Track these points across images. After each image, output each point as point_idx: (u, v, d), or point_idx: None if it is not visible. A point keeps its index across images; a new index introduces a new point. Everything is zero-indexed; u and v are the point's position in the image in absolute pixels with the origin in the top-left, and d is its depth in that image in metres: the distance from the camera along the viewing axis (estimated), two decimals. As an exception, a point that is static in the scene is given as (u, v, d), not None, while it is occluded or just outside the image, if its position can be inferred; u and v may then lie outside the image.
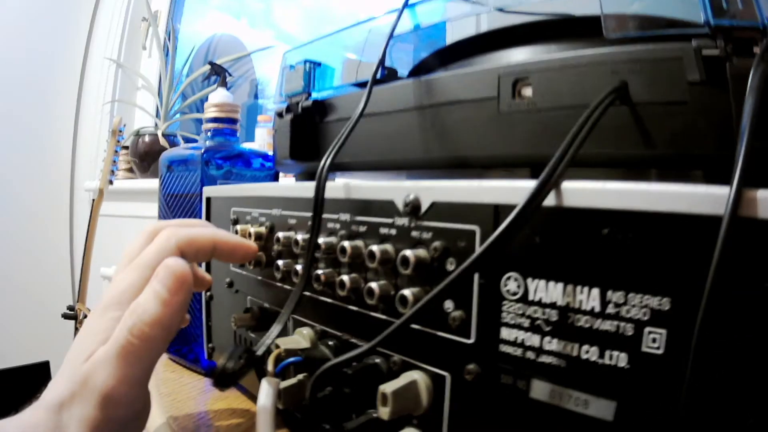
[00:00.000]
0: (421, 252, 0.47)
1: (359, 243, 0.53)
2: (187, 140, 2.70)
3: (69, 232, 3.74)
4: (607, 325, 0.36)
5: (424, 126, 0.59)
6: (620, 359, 0.35)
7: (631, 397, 0.35)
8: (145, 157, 2.81)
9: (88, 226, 2.49)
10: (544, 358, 0.39)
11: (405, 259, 0.47)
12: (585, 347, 0.37)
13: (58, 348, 3.13)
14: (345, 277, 0.54)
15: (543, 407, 0.39)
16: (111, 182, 2.45)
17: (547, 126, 0.49)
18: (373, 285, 0.50)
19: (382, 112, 0.63)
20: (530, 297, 0.40)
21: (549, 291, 0.39)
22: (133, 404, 0.54)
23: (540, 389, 0.39)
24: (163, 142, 2.62)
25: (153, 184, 2.79)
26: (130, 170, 2.99)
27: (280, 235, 0.64)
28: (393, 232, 0.51)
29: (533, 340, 0.40)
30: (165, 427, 0.76)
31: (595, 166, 0.47)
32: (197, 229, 0.62)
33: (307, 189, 0.61)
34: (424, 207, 0.48)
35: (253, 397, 0.75)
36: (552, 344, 0.39)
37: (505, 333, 0.41)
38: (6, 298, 3.38)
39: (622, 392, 0.35)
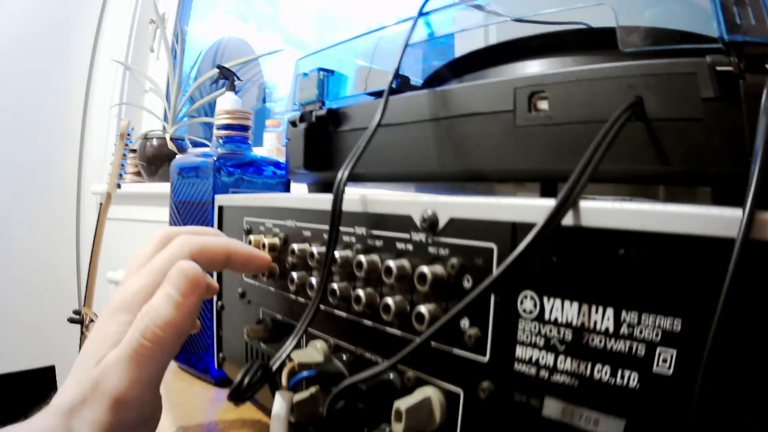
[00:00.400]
0: (438, 268, 0.46)
1: (375, 257, 0.53)
2: (196, 144, 2.70)
3: (75, 235, 3.75)
4: (621, 345, 0.35)
5: (439, 138, 0.59)
6: (632, 379, 0.35)
7: (640, 416, 0.35)
8: (153, 161, 2.81)
9: (96, 229, 2.49)
10: (558, 377, 0.39)
11: (422, 276, 0.46)
12: (598, 366, 0.37)
13: (64, 352, 3.14)
14: (361, 292, 0.53)
15: (554, 425, 0.39)
16: (119, 186, 2.45)
17: (562, 140, 0.49)
18: (389, 300, 0.50)
19: (398, 123, 0.63)
20: (546, 316, 0.40)
21: (565, 310, 0.38)
22: (145, 407, 0.54)
23: (552, 407, 0.39)
24: (171, 146, 2.62)
25: (161, 188, 2.79)
26: (138, 174, 2.99)
27: (295, 247, 0.63)
28: (410, 247, 0.50)
29: (548, 359, 0.39)
30: (170, 428, 0.76)
31: (610, 182, 0.47)
32: (211, 238, 0.62)
33: (322, 201, 0.61)
34: (441, 223, 0.47)
35: (265, 409, 0.75)
36: (566, 363, 0.38)
37: (520, 351, 0.41)
38: (12, 301, 3.38)
39: (631, 411, 0.35)
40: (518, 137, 0.52)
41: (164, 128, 2.91)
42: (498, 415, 0.42)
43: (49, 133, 3.54)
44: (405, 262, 0.50)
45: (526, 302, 0.41)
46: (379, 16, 2.65)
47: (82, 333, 2.58)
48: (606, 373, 0.36)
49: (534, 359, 0.40)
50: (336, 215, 0.55)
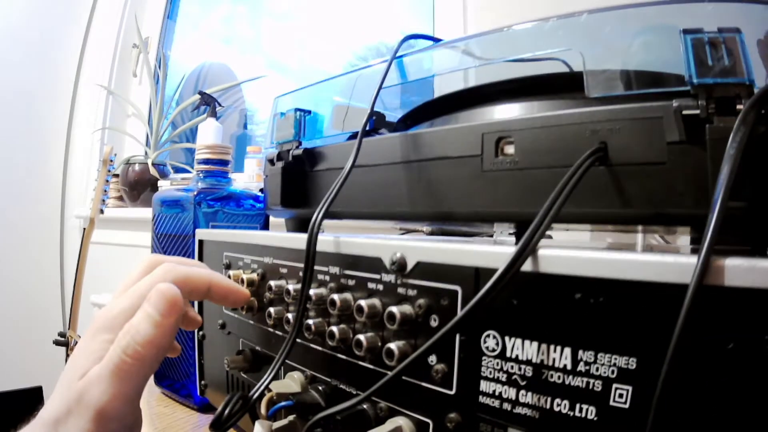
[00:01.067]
0: (407, 308, 0.49)
1: (348, 296, 0.55)
2: (177, 170, 2.71)
3: (60, 259, 3.73)
4: (578, 381, 0.38)
5: (411, 179, 0.61)
6: (590, 412, 0.37)
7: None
8: (136, 186, 2.81)
9: (79, 254, 2.49)
10: (520, 410, 0.41)
11: (391, 315, 0.49)
12: (557, 400, 0.39)
13: (51, 374, 3.12)
14: (335, 329, 0.56)
15: None
16: (102, 211, 2.45)
17: (528, 184, 0.51)
18: (361, 337, 0.52)
19: (371, 165, 0.65)
20: (507, 353, 0.42)
21: (525, 349, 0.41)
22: (126, 419, 0.56)
23: None
24: (153, 171, 2.62)
25: (143, 213, 2.79)
26: (121, 198, 2.99)
27: (272, 283, 0.66)
28: (380, 287, 0.53)
29: (510, 392, 0.42)
30: None
31: (575, 223, 0.49)
32: (194, 269, 0.64)
33: (298, 240, 0.64)
34: (409, 266, 0.50)
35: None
36: (527, 397, 0.41)
37: (484, 386, 0.44)
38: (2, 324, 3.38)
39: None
40: (485, 181, 0.54)
41: (146, 153, 2.91)
42: None
43: (33, 156, 3.52)
44: (376, 302, 0.52)
45: (489, 341, 0.43)
46: (356, 41, 2.66)
47: (67, 355, 2.58)
48: (565, 407, 0.38)
49: (497, 393, 0.43)
50: (310, 255, 0.57)
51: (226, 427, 0.57)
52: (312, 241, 0.57)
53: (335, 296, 0.55)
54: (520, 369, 0.41)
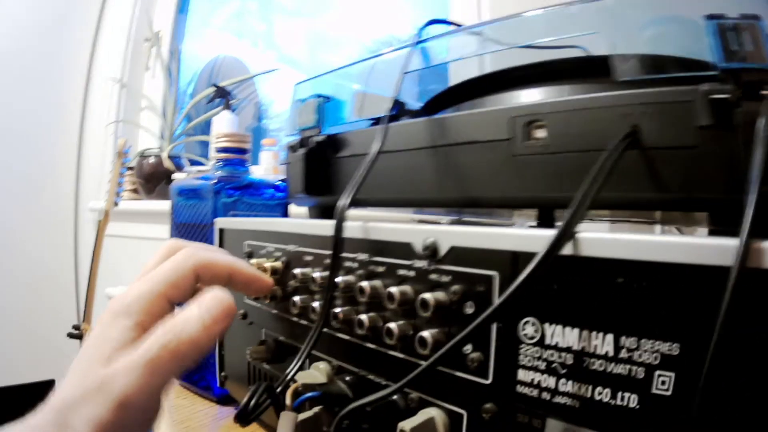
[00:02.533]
0: (440, 295, 0.47)
1: (377, 283, 0.54)
2: (192, 162, 2.71)
3: (74, 252, 3.74)
4: (620, 369, 0.36)
5: (438, 165, 0.60)
6: (631, 400, 0.36)
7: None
8: (150, 179, 2.81)
9: (94, 246, 2.48)
10: (559, 399, 0.40)
11: (424, 302, 0.47)
12: (598, 389, 0.38)
13: (63, 367, 3.13)
14: (363, 317, 0.54)
15: None
16: (116, 204, 2.45)
17: (559, 168, 0.50)
18: (392, 325, 0.51)
19: (397, 150, 0.64)
20: (547, 341, 0.40)
21: (565, 336, 0.39)
22: (148, 411, 0.55)
23: (554, 428, 0.40)
24: (167, 163, 2.62)
25: (158, 205, 2.79)
26: (135, 191, 2.99)
27: (297, 271, 0.65)
28: (411, 273, 0.51)
29: (549, 381, 0.40)
30: None
31: (608, 209, 0.48)
32: (216, 254, 0.63)
33: (324, 227, 0.62)
34: (442, 251, 0.48)
35: (269, 428, 0.76)
36: (567, 386, 0.39)
37: (522, 374, 0.42)
38: (13, 316, 3.38)
39: (630, 429, 0.36)
40: (515, 165, 0.53)
41: (161, 146, 2.91)
42: None
43: (46, 150, 3.53)
44: (407, 288, 0.51)
45: (528, 328, 0.42)
46: (368, 33, 2.66)
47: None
48: (606, 395, 0.37)
49: (536, 382, 0.41)
50: (338, 242, 0.56)
51: (252, 419, 0.56)
52: (339, 227, 0.56)
53: (364, 283, 0.54)
54: (560, 357, 0.40)
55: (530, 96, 0.62)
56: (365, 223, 0.57)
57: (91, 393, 0.52)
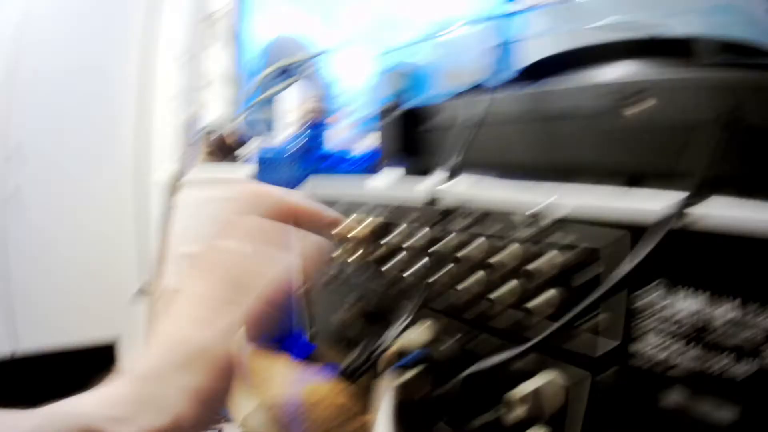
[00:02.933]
0: (549, 263, 0.47)
1: (485, 248, 0.54)
2: (258, 136, 2.72)
3: (138, 223, 3.77)
4: (741, 336, 0.37)
5: (539, 134, 0.60)
6: (750, 368, 0.36)
7: (753, 405, 0.36)
8: (215, 153, 2.82)
9: (163, 216, 2.51)
10: (681, 366, 0.40)
11: (536, 270, 0.47)
12: (719, 356, 0.38)
13: (126, 328, 3.15)
14: (469, 283, 0.54)
15: (673, 414, 0.40)
16: (185, 174, 2.47)
17: (664, 142, 0.50)
18: (500, 292, 0.51)
19: (498, 118, 0.63)
20: (675, 306, 0.40)
21: (692, 300, 0.39)
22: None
23: (674, 395, 0.40)
24: (234, 137, 2.63)
25: (223, 176, 2.80)
26: (203, 162, 3.00)
27: (394, 236, 0.65)
28: (522, 237, 0.51)
29: (672, 348, 0.40)
30: (258, 411, 0.77)
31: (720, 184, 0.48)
32: (296, 197, 0.62)
33: (423, 192, 0.62)
34: (553, 219, 0.48)
35: (358, 386, 0.76)
36: (689, 352, 0.39)
37: (648, 340, 0.42)
38: (76, 276, 3.41)
39: (745, 400, 0.36)
40: (619, 137, 0.53)
41: (226, 121, 2.92)
42: (621, 401, 0.43)
43: (108, 122, 3.55)
44: (516, 255, 0.50)
45: (654, 294, 0.42)
46: (439, 13, 2.65)
47: (148, 308, 2.60)
48: (726, 363, 0.37)
49: (661, 348, 0.41)
50: (443, 206, 0.56)
51: (357, 377, 0.56)
52: (444, 190, 0.56)
53: (472, 246, 0.54)
54: (685, 322, 0.40)
55: (628, 70, 0.62)
56: (472, 187, 0.57)
57: (189, 360, 0.52)
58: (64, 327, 3.22)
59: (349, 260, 0.77)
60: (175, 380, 0.51)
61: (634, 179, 0.51)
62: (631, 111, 0.52)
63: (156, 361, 0.52)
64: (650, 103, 0.50)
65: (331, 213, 0.65)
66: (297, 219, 0.61)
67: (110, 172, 3.65)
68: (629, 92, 0.52)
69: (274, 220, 0.58)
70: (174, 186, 2.47)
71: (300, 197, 0.63)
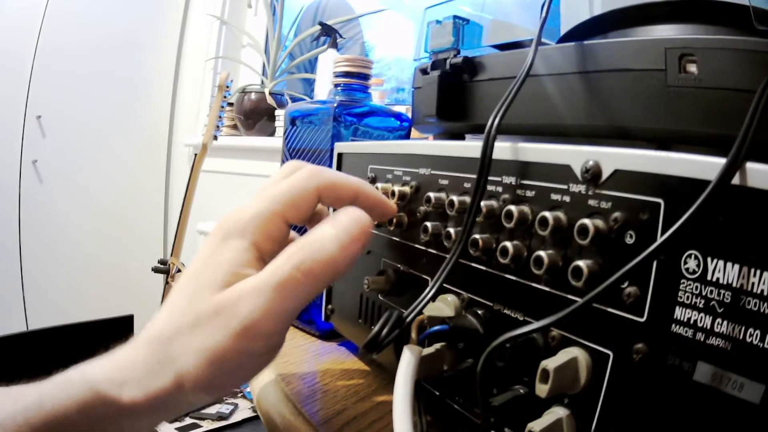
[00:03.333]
0: (599, 222, 0.44)
1: (526, 208, 0.51)
2: (294, 99, 2.71)
3: (165, 186, 3.79)
4: None
5: (586, 92, 0.57)
6: None
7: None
8: (251, 115, 2.82)
9: (189, 180, 2.50)
10: (712, 340, 0.37)
11: (583, 229, 0.44)
12: (750, 330, 0.35)
13: (144, 302, 3.17)
14: (508, 244, 0.51)
15: (702, 390, 0.37)
16: (216, 137, 2.46)
17: (712, 105, 0.48)
18: (542, 254, 0.47)
19: (543, 74, 0.61)
20: (708, 276, 0.38)
21: (726, 272, 0.37)
22: (272, 339, 0.52)
23: (703, 372, 0.37)
24: (270, 100, 2.63)
25: (257, 142, 2.80)
26: (234, 127, 3.00)
27: (431, 195, 0.61)
28: (567, 199, 0.48)
29: (705, 321, 0.38)
30: (273, 385, 0.75)
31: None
32: (341, 175, 0.60)
33: (465, 148, 0.59)
34: (605, 174, 0.45)
35: (373, 364, 0.73)
36: (722, 326, 0.37)
37: (679, 312, 0.39)
38: (97, 250, 3.44)
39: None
40: (669, 97, 0.50)
41: (263, 83, 2.91)
42: (648, 378, 0.41)
43: (142, 85, 3.59)
44: (561, 214, 0.47)
45: (690, 262, 0.39)
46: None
47: (166, 282, 2.60)
48: (756, 337, 0.35)
49: (692, 321, 0.39)
50: (486, 162, 0.53)
51: (382, 348, 0.53)
52: (489, 144, 0.53)
53: (512, 207, 0.50)
54: (718, 294, 0.37)
55: (678, 32, 0.60)
56: (515, 143, 0.54)
57: (203, 321, 0.50)
58: (80, 305, 3.26)
59: (374, 231, 0.75)
60: (190, 341, 0.50)
61: (676, 141, 0.49)
62: (678, 72, 0.50)
63: (170, 323, 0.52)
64: (698, 65, 0.49)
65: (390, 202, 0.64)
66: (356, 203, 0.59)
67: (145, 138, 3.69)
68: (678, 53, 0.50)
69: (328, 200, 0.58)
70: (200, 153, 2.46)
71: (362, 181, 0.61)
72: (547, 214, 0.47)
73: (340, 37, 1.44)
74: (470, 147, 0.57)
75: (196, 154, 2.47)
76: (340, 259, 0.51)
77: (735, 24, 0.54)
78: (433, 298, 0.57)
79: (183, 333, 0.51)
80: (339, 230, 0.52)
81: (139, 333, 0.54)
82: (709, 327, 0.37)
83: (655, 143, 0.48)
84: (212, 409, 2.26)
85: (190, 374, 0.50)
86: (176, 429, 2.14)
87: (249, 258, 0.53)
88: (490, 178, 0.55)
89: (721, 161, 0.36)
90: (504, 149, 0.54)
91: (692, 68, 0.49)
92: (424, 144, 0.67)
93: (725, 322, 0.37)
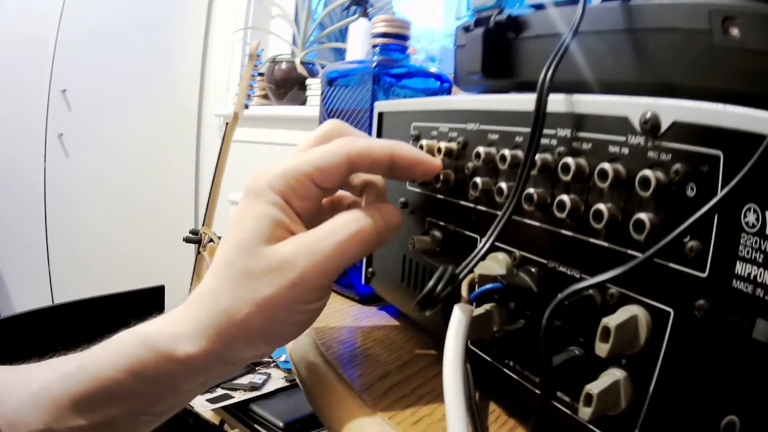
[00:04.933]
0: (660, 174, 0.43)
1: (583, 161, 0.50)
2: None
3: (195, 156, 3.80)
4: None
5: (633, 49, 0.57)
6: None
7: None
8: (282, 84, 2.82)
9: (220, 149, 2.51)
10: None
11: (645, 180, 0.43)
12: None
13: (175, 273, 3.18)
14: (565, 197, 0.50)
15: (760, 348, 0.36)
16: (247, 106, 2.46)
17: (754, 66, 0.47)
18: (602, 207, 0.46)
19: (591, 32, 0.60)
20: (767, 231, 0.37)
21: None
22: (320, 292, 0.56)
23: (762, 329, 0.37)
24: (300, 69, 2.63)
25: (288, 111, 2.80)
26: (265, 97, 3.00)
27: (481, 150, 0.60)
28: (625, 151, 0.47)
29: (765, 276, 0.37)
30: (312, 350, 0.75)
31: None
32: (373, 140, 0.60)
33: (517, 101, 0.58)
34: (664, 126, 0.44)
35: (411, 323, 0.73)
36: None
37: (739, 268, 0.38)
38: (129, 221, 3.45)
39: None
40: (714, 56, 0.50)
41: (293, 53, 2.91)
42: (708, 336, 0.40)
43: (170, 57, 3.60)
44: (620, 167, 0.46)
45: (749, 215, 0.38)
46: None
47: (198, 252, 2.61)
48: None
49: (752, 276, 0.37)
50: (541, 113, 0.52)
51: (436, 304, 0.53)
52: (543, 96, 0.52)
53: (569, 160, 0.49)
54: None
55: None
56: (569, 95, 0.53)
57: (256, 272, 0.53)
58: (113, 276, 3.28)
59: (418, 188, 0.74)
60: (238, 293, 0.53)
61: (721, 100, 0.48)
62: (722, 34, 0.50)
63: (215, 279, 0.55)
64: (740, 28, 0.49)
65: (432, 159, 0.64)
66: (393, 166, 0.61)
67: (175, 109, 3.70)
68: (721, 16, 0.50)
69: (363, 167, 0.60)
70: (232, 122, 2.46)
71: (396, 142, 0.62)
72: (606, 165, 0.46)
73: (371, 6, 1.43)
74: (522, 100, 0.56)
75: (227, 124, 2.48)
76: (374, 245, 0.58)
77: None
78: (483, 257, 0.56)
79: (234, 285, 0.53)
80: (378, 216, 0.58)
81: (192, 292, 0.57)
82: None
83: (701, 100, 0.47)
84: (245, 380, 2.27)
85: (243, 323, 0.53)
86: (207, 400, 2.14)
87: (287, 213, 0.56)
88: (544, 131, 0.54)
89: (757, 125, 0.36)
90: (558, 102, 0.53)
91: (734, 31, 0.48)
92: (472, 99, 0.66)
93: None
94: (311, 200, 0.57)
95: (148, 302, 2.70)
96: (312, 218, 0.58)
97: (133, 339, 0.55)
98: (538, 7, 0.69)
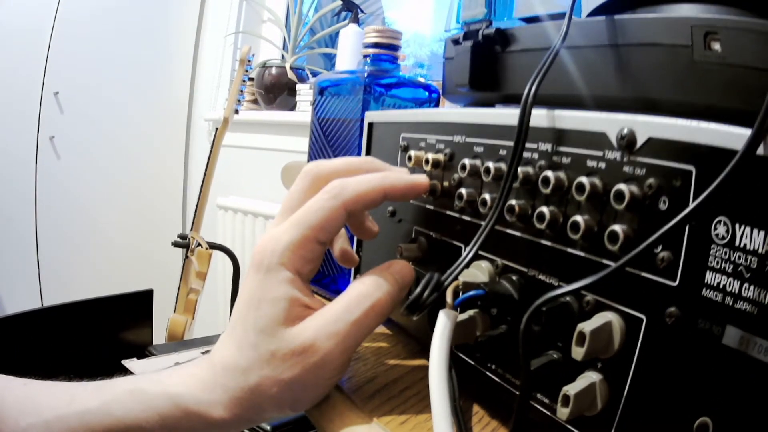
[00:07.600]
0: (634, 188, 0.45)
1: (562, 174, 0.52)
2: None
3: (184, 161, 3.80)
4: None
5: (616, 64, 0.58)
6: None
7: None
8: (272, 89, 2.83)
9: (209, 154, 2.51)
10: (740, 305, 0.39)
11: (619, 194, 0.45)
12: None
13: (164, 276, 3.18)
14: (545, 209, 0.52)
15: (730, 354, 0.39)
16: (237, 111, 2.47)
17: (735, 81, 0.49)
18: (579, 219, 0.48)
19: (575, 47, 0.62)
20: (736, 242, 0.39)
21: (753, 238, 0.38)
22: (342, 366, 0.58)
23: (732, 336, 0.39)
24: (291, 75, 2.63)
25: (278, 116, 2.80)
26: (255, 102, 3.01)
27: (467, 161, 0.62)
28: (602, 165, 0.49)
29: (734, 285, 0.39)
30: None
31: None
32: (364, 181, 0.61)
33: (501, 115, 0.60)
34: (639, 142, 0.46)
35: (398, 328, 0.75)
36: (749, 291, 0.38)
37: (709, 277, 0.41)
38: (117, 224, 3.45)
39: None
40: (695, 71, 0.51)
41: (283, 57, 2.92)
42: (678, 342, 0.42)
43: (161, 61, 3.60)
44: (597, 180, 0.48)
45: (720, 227, 0.40)
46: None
47: (186, 257, 2.61)
48: None
49: (721, 285, 0.40)
50: (524, 128, 0.54)
51: (423, 309, 0.55)
52: (526, 111, 0.54)
53: (549, 173, 0.52)
54: (746, 260, 0.38)
55: (702, 11, 0.61)
56: (551, 110, 0.55)
57: (281, 356, 0.55)
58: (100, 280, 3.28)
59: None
60: (265, 373, 0.56)
61: (702, 115, 0.50)
62: (703, 49, 0.51)
63: (240, 357, 0.57)
64: (722, 43, 0.50)
65: (420, 180, 0.65)
66: (387, 198, 0.63)
67: (164, 113, 3.70)
68: (703, 31, 0.51)
69: (357, 210, 0.62)
70: (221, 127, 2.47)
71: (386, 175, 0.63)
72: (584, 179, 0.48)
73: (362, 12, 1.45)
74: (507, 114, 0.58)
75: (216, 128, 2.48)
76: (389, 305, 0.59)
77: (755, 8, 0.56)
78: (467, 265, 0.58)
79: (261, 366, 0.56)
80: (391, 281, 0.60)
81: (206, 356, 0.60)
82: (736, 292, 0.39)
83: (682, 115, 0.49)
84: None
85: (273, 398, 0.56)
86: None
87: (299, 287, 0.58)
88: (526, 144, 0.56)
89: (748, 132, 0.37)
90: (540, 117, 0.55)
91: (716, 46, 0.50)
92: (459, 112, 0.68)
93: (752, 287, 0.38)
94: (317, 257, 0.60)
95: (136, 306, 2.70)
96: (316, 266, 0.61)
97: (161, 393, 0.57)
98: (527, 20, 0.71)
